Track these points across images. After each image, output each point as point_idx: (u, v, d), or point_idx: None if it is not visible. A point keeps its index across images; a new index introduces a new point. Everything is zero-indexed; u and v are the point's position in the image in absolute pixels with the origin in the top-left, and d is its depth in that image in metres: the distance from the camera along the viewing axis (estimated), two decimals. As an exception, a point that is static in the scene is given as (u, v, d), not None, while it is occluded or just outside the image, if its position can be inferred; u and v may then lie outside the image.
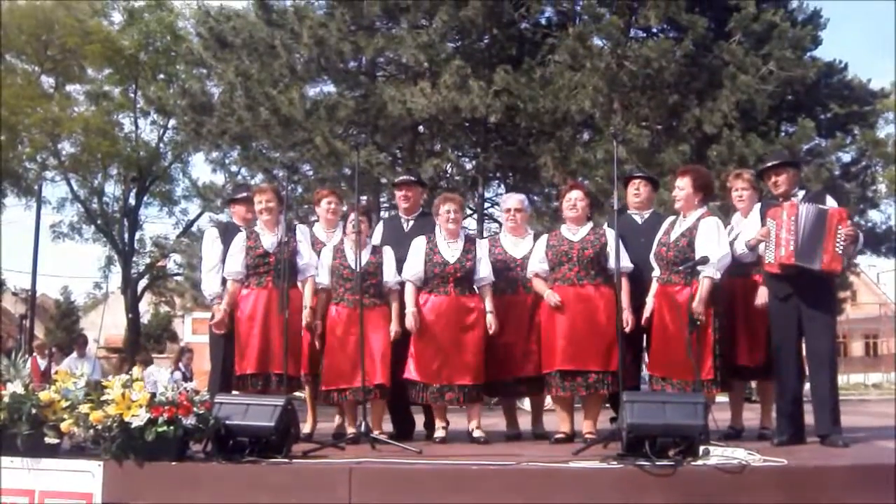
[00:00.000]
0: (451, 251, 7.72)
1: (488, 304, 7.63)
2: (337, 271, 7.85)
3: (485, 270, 7.72)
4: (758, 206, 7.44)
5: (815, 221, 6.78)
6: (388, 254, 7.92)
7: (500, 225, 22.71)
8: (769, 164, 7.42)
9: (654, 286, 7.46)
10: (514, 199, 8.29)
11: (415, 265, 7.76)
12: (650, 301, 7.41)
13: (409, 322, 7.61)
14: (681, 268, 7.15)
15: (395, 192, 8.96)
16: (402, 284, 7.83)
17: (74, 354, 17.35)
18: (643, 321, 7.39)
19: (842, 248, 6.73)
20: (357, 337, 7.37)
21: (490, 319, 7.57)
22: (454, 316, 7.59)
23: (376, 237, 8.38)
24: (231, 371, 7.89)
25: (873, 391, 39.92)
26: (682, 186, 7.51)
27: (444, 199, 7.98)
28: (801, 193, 7.16)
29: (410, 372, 7.67)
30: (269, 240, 7.89)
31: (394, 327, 7.70)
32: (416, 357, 7.65)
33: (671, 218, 7.71)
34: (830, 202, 7.06)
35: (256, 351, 7.68)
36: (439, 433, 7.71)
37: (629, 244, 7.58)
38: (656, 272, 7.49)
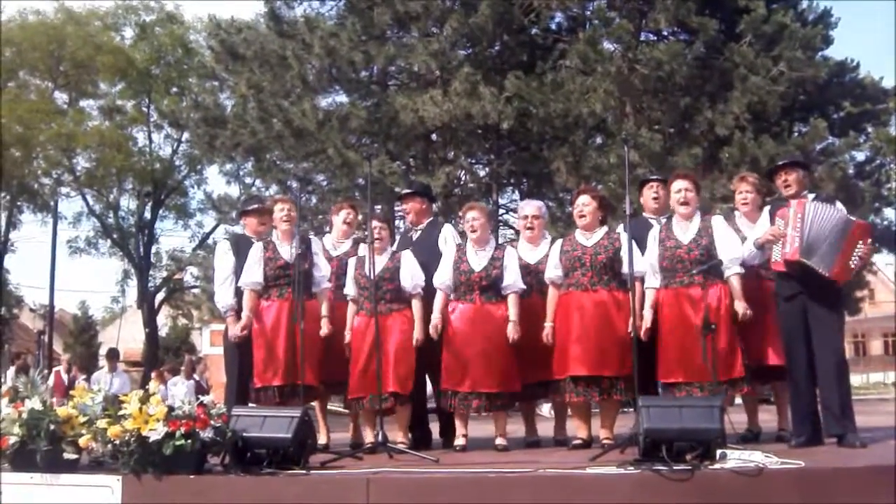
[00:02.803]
0: (478, 259, 7.69)
1: (512, 313, 7.56)
2: (357, 280, 7.86)
3: (510, 278, 7.63)
4: (767, 209, 7.41)
5: (834, 226, 6.78)
6: (407, 258, 7.90)
7: (517, 231, 22.85)
8: (780, 163, 7.46)
9: (651, 296, 7.39)
10: (531, 206, 8.28)
11: (443, 273, 7.76)
12: (649, 312, 7.33)
13: (431, 330, 7.61)
14: (695, 270, 7.13)
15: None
16: (423, 290, 7.82)
17: (105, 368, 17.25)
18: (643, 331, 7.29)
19: (854, 263, 6.74)
20: (375, 345, 7.38)
21: (510, 329, 7.50)
22: (479, 324, 7.55)
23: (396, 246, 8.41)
24: (246, 383, 7.90)
25: (893, 390, 39.72)
26: (691, 188, 7.49)
27: (468, 208, 8.00)
28: (811, 196, 7.15)
29: (443, 380, 7.68)
30: (286, 251, 7.86)
31: (417, 335, 7.68)
32: (446, 365, 7.64)
33: (656, 227, 7.64)
34: (839, 206, 7.07)
35: (283, 362, 7.66)
36: (459, 441, 7.67)
37: (646, 248, 7.53)
38: (654, 282, 7.41)
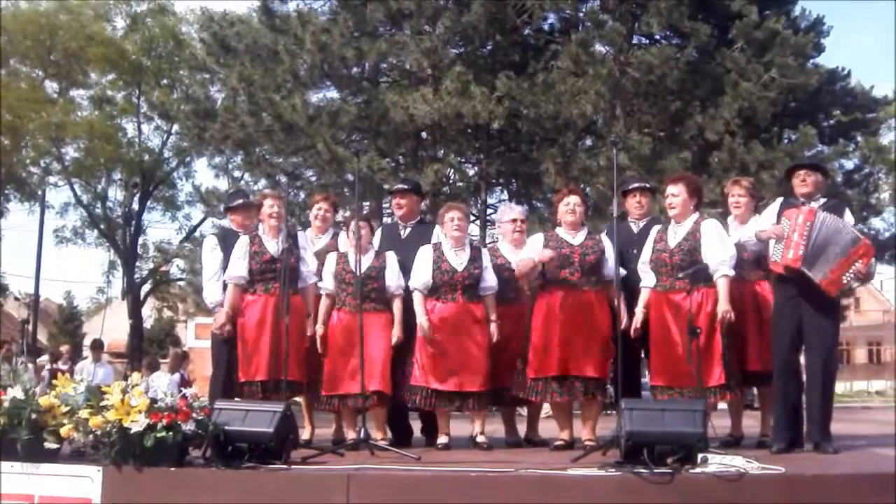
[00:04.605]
0: (458, 259, 7.69)
1: (492, 313, 7.62)
2: (339, 277, 7.84)
3: (490, 279, 7.69)
4: (779, 200, 7.40)
5: (840, 240, 6.78)
6: (391, 259, 7.91)
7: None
8: (804, 162, 7.46)
9: (645, 295, 7.44)
10: (519, 211, 8.35)
11: (423, 274, 7.73)
12: (640, 311, 7.37)
13: (421, 332, 7.60)
14: (681, 275, 7.15)
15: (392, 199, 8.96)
16: (405, 290, 7.82)
17: (90, 359, 17.12)
18: (633, 331, 7.34)
19: (848, 278, 6.77)
20: (356, 343, 7.37)
21: (493, 328, 7.56)
22: (462, 323, 7.57)
23: (375, 243, 8.37)
24: (233, 377, 7.89)
25: (877, 398, 39.94)
26: (677, 193, 7.48)
27: (449, 208, 7.99)
28: (822, 200, 7.15)
29: (417, 378, 7.66)
30: (273, 246, 7.83)
31: (396, 333, 7.69)
32: (424, 363, 7.63)
33: (657, 227, 7.70)
34: (848, 216, 7.07)
35: (266, 357, 7.61)
36: (442, 440, 7.69)
37: (623, 253, 7.55)
38: (648, 281, 7.45)
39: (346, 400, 7.66)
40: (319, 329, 7.85)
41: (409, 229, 8.51)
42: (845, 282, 6.78)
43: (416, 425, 8.44)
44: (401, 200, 8.59)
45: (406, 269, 7.88)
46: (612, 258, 7.32)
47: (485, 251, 7.98)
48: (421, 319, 7.61)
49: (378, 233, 8.68)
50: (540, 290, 7.61)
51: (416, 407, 7.92)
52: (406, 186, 8.84)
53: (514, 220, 8.19)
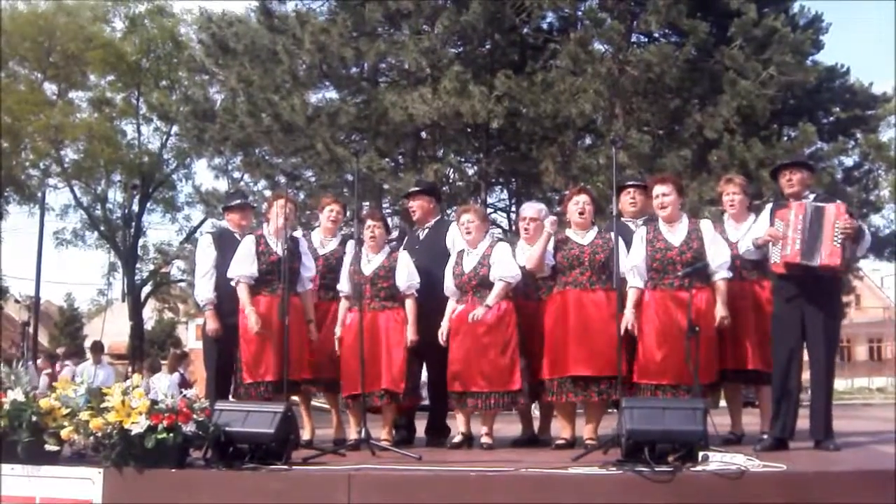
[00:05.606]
0: (469, 261, 7.67)
1: (490, 297, 7.46)
2: (352, 278, 7.82)
3: (497, 271, 7.52)
4: (768, 206, 7.40)
5: (813, 219, 6.78)
6: (403, 259, 7.86)
7: (505, 231, 22.79)
8: (786, 161, 7.45)
9: (635, 296, 7.38)
10: (530, 209, 8.22)
11: (446, 279, 7.75)
12: (631, 312, 7.28)
13: (440, 337, 7.62)
14: (681, 273, 7.14)
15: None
16: (416, 290, 7.80)
17: (90, 361, 17.09)
18: (632, 329, 7.30)
19: (839, 241, 6.70)
20: (369, 342, 7.38)
21: (478, 311, 7.41)
22: (470, 324, 7.50)
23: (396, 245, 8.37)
24: (226, 377, 7.87)
25: (877, 395, 39.99)
26: (669, 192, 7.47)
27: (462, 211, 7.99)
28: (812, 196, 7.14)
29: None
30: (278, 247, 7.79)
31: (410, 336, 7.65)
32: (448, 366, 7.64)
33: (642, 228, 7.64)
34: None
35: (275, 358, 7.55)
36: (456, 438, 7.73)
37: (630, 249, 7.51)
38: (638, 282, 7.38)
39: (356, 399, 7.60)
40: (338, 331, 7.86)
41: (426, 230, 8.50)
42: (838, 246, 6.71)
43: (421, 425, 8.44)
44: (412, 204, 8.58)
45: (423, 272, 7.86)
46: (620, 256, 7.28)
47: (500, 245, 7.79)
48: (442, 325, 7.65)
49: (405, 239, 8.70)
50: (551, 291, 7.61)
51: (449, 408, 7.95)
52: (415, 189, 8.83)
53: (524, 219, 8.13)
